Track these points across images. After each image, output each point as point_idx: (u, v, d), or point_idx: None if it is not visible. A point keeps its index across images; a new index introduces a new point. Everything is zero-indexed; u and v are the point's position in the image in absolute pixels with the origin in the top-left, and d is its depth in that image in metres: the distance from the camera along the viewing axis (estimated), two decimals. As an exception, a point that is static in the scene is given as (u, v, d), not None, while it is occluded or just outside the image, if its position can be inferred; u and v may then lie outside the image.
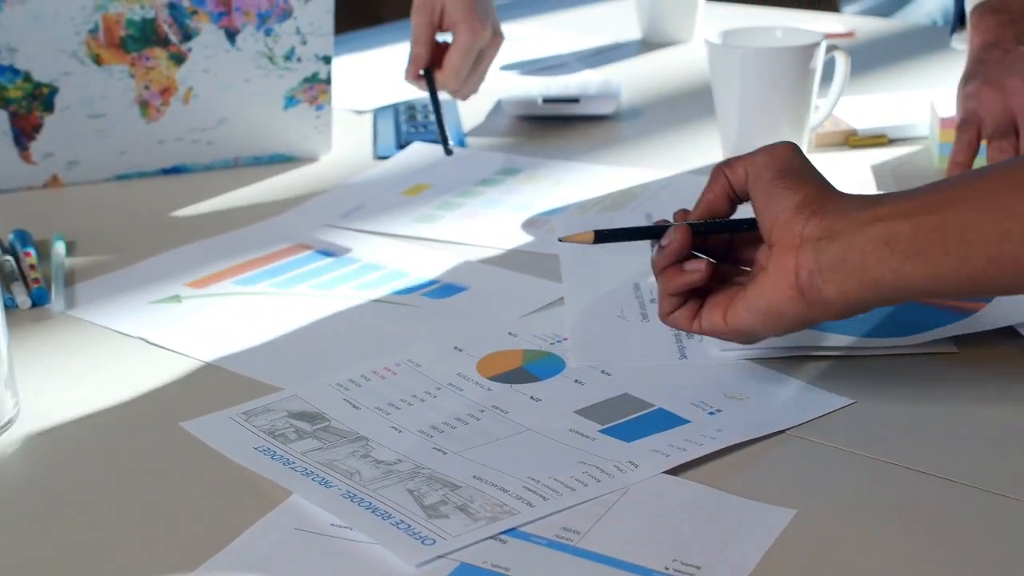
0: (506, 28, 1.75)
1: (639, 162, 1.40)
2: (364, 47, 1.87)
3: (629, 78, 1.69)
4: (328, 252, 1.19)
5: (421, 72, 1.45)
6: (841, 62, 1.38)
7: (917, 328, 0.98)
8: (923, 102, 1.45)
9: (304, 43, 1.35)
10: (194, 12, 1.32)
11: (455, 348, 1.01)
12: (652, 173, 1.35)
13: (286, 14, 1.34)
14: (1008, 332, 0.99)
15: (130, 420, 0.93)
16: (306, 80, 1.37)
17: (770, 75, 1.31)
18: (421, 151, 1.43)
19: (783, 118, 1.33)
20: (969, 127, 1.24)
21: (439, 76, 1.45)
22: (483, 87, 1.53)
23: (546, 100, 1.52)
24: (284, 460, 0.86)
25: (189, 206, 1.32)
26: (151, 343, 1.04)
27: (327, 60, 1.37)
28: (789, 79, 1.31)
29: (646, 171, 1.36)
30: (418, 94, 1.61)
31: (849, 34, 1.90)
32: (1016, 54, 1.25)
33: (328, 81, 1.38)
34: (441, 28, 1.45)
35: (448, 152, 1.39)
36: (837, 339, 0.98)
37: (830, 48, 1.37)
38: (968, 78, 1.27)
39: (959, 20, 1.36)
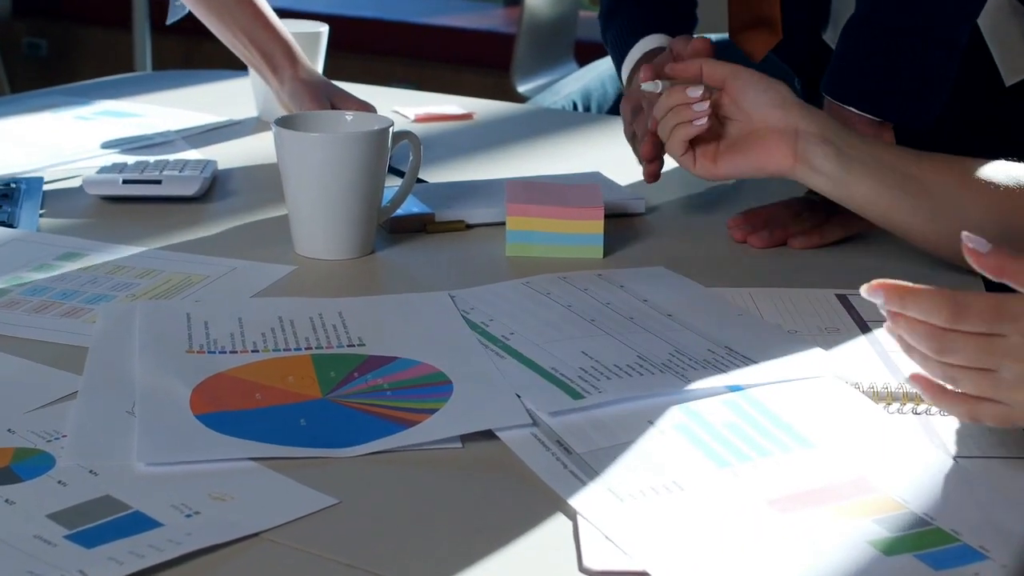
0: (122, 104, 1.81)
1: (212, 248, 1.36)
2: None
3: (235, 157, 1.67)
4: None
5: None
6: (413, 149, 1.38)
7: (355, 440, 0.97)
8: (496, 189, 1.46)
9: None
10: None
11: (-58, 447, 0.95)
12: (217, 260, 1.32)
13: None
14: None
15: None
16: None
17: (331, 161, 1.29)
18: (-14, 233, 1.37)
19: (352, 203, 1.31)
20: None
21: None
22: (77, 165, 1.61)
23: (126, 181, 1.48)
24: None
25: None
26: None
27: None
28: (355, 165, 1.30)
29: (212, 258, 1.33)
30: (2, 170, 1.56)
31: (467, 116, 1.91)
32: None
33: None
34: None
35: None
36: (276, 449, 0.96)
37: (402, 134, 1.36)
38: None
39: None
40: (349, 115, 1.37)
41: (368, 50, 4.49)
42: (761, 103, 1.27)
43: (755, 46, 1.67)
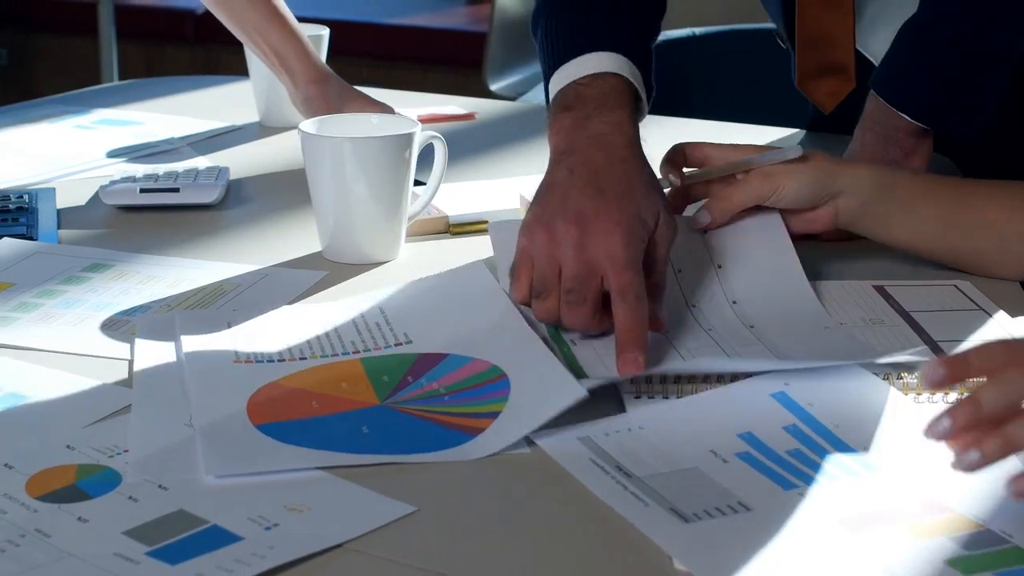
0: (120, 112, 1.78)
1: (236, 256, 1.35)
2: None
3: (243, 164, 1.65)
4: None
5: None
6: (439, 150, 1.37)
7: (420, 448, 0.96)
8: (513, 190, 1.45)
9: None
10: None
11: (4, 465, 0.94)
12: (245, 268, 1.31)
13: None
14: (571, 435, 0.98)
15: None
16: None
17: (363, 164, 1.28)
18: (8, 246, 1.35)
19: (379, 207, 1.30)
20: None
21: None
22: (85, 175, 1.59)
23: (144, 190, 1.47)
24: None
25: None
26: None
27: None
28: (383, 168, 1.29)
29: (240, 266, 1.31)
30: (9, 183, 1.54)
31: (469, 116, 1.90)
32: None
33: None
34: None
35: None
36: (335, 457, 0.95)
37: (428, 136, 1.35)
38: None
39: None
40: (375, 118, 1.36)
41: (333, 51, 4.46)
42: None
43: (825, 97, 1.60)
